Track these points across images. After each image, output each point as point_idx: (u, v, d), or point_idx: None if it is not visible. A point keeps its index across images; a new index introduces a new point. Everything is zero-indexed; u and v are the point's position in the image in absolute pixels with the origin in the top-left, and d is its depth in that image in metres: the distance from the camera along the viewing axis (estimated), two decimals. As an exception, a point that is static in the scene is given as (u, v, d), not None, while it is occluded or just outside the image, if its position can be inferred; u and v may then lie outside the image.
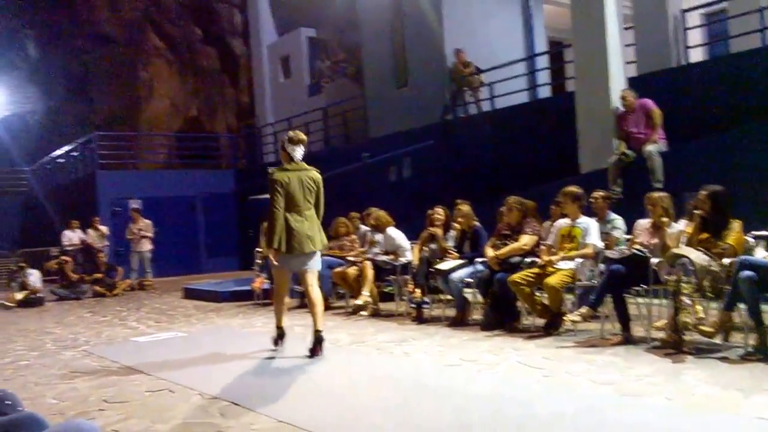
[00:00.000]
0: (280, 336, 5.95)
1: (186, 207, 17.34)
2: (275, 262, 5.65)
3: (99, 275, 12.87)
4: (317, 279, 5.77)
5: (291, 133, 5.80)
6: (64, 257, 13.06)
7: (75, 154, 19.37)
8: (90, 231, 14.47)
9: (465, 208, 7.16)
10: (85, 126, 22.09)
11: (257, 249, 10.21)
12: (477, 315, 6.89)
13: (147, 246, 13.79)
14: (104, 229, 14.63)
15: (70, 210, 16.99)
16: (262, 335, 6.99)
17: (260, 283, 9.72)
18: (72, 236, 14.72)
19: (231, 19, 25.98)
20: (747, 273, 4.55)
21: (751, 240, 5.21)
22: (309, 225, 5.61)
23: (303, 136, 5.74)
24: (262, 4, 20.12)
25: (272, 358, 5.72)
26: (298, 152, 5.66)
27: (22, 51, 27.48)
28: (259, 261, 10.02)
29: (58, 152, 20.63)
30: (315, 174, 5.73)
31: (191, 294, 11.43)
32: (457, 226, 7.33)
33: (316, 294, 5.66)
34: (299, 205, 5.58)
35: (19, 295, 11.67)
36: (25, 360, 6.33)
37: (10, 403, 2.60)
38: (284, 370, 5.25)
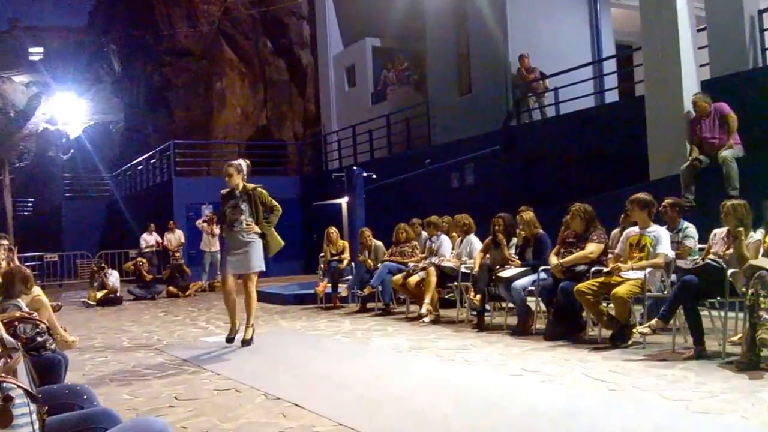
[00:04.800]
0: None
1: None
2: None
3: (179, 265, 13.54)
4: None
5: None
6: (140, 259, 13.64)
7: (153, 161, 20.21)
8: (166, 234, 15.14)
9: (528, 215, 7.06)
10: (164, 135, 23.01)
11: (321, 254, 10.40)
12: (540, 324, 6.77)
13: (217, 247, 14.37)
14: (179, 232, 15.26)
15: (148, 214, 17.70)
16: (324, 338, 7.12)
17: (323, 287, 9.89)
18: (149, 239, 15.46)
19: (300, 32, 26.55)
20: (829, 286, 4.29)
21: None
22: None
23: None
24: (330, 16, 20.46)
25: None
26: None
27: (106, 65, 28.96)
28: (322, 266, 10.21)
29: (138, 160, 21.58)
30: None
31: (258, 296, 11.67)
32: (520, 233, 7.24)
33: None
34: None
35: (99, 294, 12.28)
36: (102, 356, 6.65)
37: (86, 397, 2.74)
38: (346, 374, 5.31)
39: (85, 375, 5.68)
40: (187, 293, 13.35)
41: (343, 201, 11.44)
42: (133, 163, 22.28)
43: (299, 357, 6.13)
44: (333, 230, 10.30)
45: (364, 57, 18.85)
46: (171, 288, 13.38)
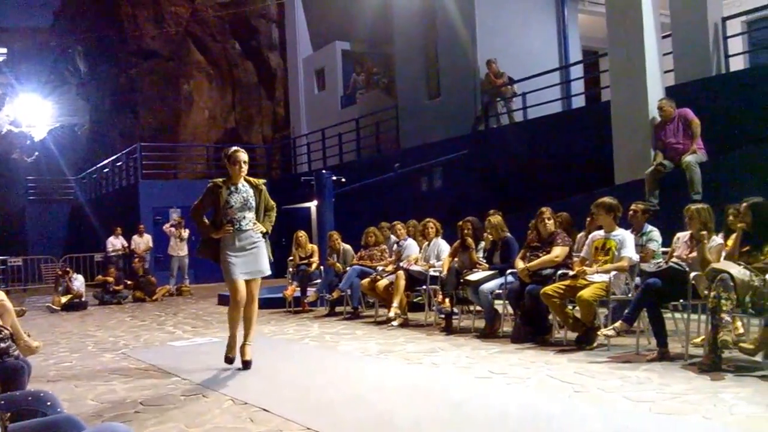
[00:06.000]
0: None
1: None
2: None
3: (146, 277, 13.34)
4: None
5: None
6: (108, 278, 13.26)
7: (119, 164, 19.92)
8: (135, 237, 14.95)
9: (496, 219, 7.12)
10: (130, 137, 22.69)
11: (289, 258, 10.36)
12: (507, 327, 6.83)
13: (185, 251, 14.29)
14: (148, 236, 15.09)
15: (114, 218, 17.45)
16: (292, 343, 7.09)
17: (292, 291, 9.87)
18: (115, 243, 15.25)
19: (269, 34, 26.42)
20: (790, 288, 4.37)
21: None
22: None
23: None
24: (299, 19, 20.44)
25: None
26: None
27: (71, 66, 28.43)
28: (291, 270, 10.18)
29: (104, 162, 21.24)
30: None
31: (226, 300, 11.51)
32: (488, 237, 7.30)
33: None
34: None
35: (64, 299, 12.05)
36: (67, 362, 6.52)
37: (50, 404, 2.70)
38: (314, 378, 5.29)
39: (49, 381, 5.56)
40: (154, 298, 13.18)
41: (312, 205, 11.42)
42: (98, 165, 21.92)
43: (267, 361, 6.08)
44: (302, 234, 10.28)
45: (334, 60, 18.87)
46: (137, 293, 13.19)
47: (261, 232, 5.69)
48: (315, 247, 10.27)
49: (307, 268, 9.87)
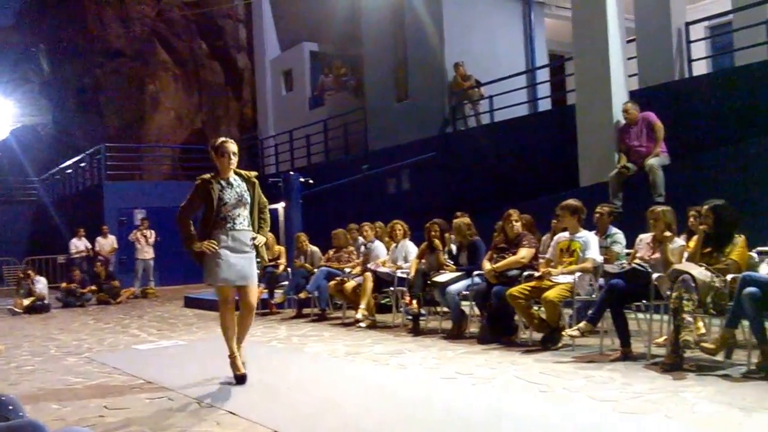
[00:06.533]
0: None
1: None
2: None
3: (109, 282, 13.16)
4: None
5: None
6: (70, 285, 12.96)
7: (83, 165, 19.57)
8: (99, 239, 14.70)
9: (463, 221, 7.18)
10: (95, 138, 22.25)
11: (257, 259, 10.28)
12: (474, 328, 6.88)
13: (150, 254, 14.13)
14: (112, 237, 14.87)
15: (78, 219, 17.14)
16: (259, 345, 7.04)
17: (259, 293, 9.76)
18: (78, 244, 14.99)
19: (236, 35, 26.19)
20: (750, 289, 4.46)
21: (755, 256, 5.15)
22: None
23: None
24: (266, 19, 20.30)
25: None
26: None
27: (35, 65, 27.81)
28: (258, 272, 10.09)
29: (67, 163, 20.84)
30: None
31: (192, 303, 11.50)
32: (449, 237, 7.35)
33: None
34: None
35: (26, 301, 11.83)
36: (29, 365, 6.40)
37: (12, 408, 2.64)
38: (281, 380, 5.27)
39: (11, 384, 5.46)
40: (119, 300, 12.97)
41: (280, 206, 11.34)
42: (61, 166, 21.50)
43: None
44: (269, 235, 10.21)
45: (302, 61, 18.79)
46: (101, 295, 12.97)
47: (255, 238, 5.14)
48: (282, 249, 10.22)
49: (274, 270, 9.81)
